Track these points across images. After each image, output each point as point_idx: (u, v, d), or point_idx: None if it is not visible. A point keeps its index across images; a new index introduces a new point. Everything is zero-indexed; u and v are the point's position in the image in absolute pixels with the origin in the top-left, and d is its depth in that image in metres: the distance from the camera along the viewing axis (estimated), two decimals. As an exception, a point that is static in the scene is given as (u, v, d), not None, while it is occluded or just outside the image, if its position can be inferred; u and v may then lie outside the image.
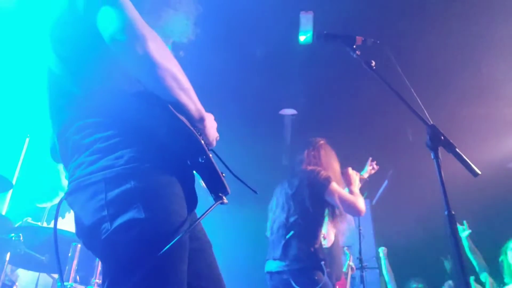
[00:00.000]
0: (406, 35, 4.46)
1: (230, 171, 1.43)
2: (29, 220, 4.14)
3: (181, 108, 1.20)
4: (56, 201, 5.12)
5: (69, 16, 1.25)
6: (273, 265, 3.05)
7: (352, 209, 3.05)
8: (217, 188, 1.25)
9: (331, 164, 3.37)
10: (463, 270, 1.31)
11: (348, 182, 3.24)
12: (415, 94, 1.73)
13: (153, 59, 1.11)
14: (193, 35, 1.64)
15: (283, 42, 4.68)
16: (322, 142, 3.47)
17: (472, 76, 5.07)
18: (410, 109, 1.62)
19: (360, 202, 3.06)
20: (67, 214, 5.18)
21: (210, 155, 1.23)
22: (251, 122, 5.67)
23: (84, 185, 1.14)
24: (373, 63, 1.82)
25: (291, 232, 2.99)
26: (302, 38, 4.37)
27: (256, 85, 5.10)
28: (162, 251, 1.05)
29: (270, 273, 3.05)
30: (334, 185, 3.07)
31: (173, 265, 1.10)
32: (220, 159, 1.40)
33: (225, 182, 1.25)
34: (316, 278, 2.79)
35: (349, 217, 4.49)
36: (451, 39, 4.62)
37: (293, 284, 2.82)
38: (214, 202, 1.25)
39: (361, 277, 3.91)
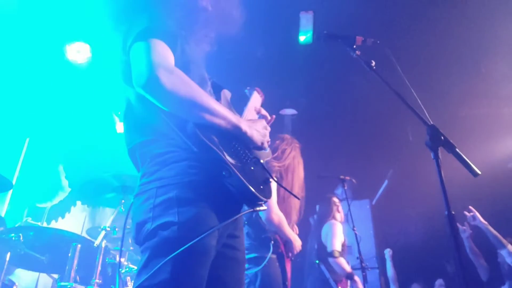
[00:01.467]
0: (406, 35, 4.46)
1: (272, 178, 1.56)
2: (29, 220, 4.14)
3: (209, 127, 1.37)
4: (56, 201, 5.13)
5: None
6: None
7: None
8: (246, 198, 1.41)
9: (297, 167, 3.17)
10: (463, 270, 1.31)
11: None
12: (415, 94, 1.72)
13: (168, 95, 1.31)
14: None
15: (283, 42, 4.68)
16: (297, 145, 3.36)
17: (472, 76, 5.08)
18: (410, 109, 1.62)
19: (275, 214, 2.79)
20: (67, 214, 5.18)
21: (234, 168, 1.36)
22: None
23: (144, 190, 1.41)
24: (373, 63, 1.82)
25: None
26: (302, 38, 4.37)
27: (256, 85, 5.09)
28: (181, 249, 1.26)
29: None
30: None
31: (192, 266, 1.30)
32: (265, 168, 1.55)
33: (254, 191, 1.38)
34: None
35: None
36: (451, 39, 4.62)
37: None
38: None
39: (363, 277, 3.90)
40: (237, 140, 1.48)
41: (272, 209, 2.78)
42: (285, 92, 5.47)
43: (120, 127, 4.90)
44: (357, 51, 1.89)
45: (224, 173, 1.35)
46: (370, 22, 4.29)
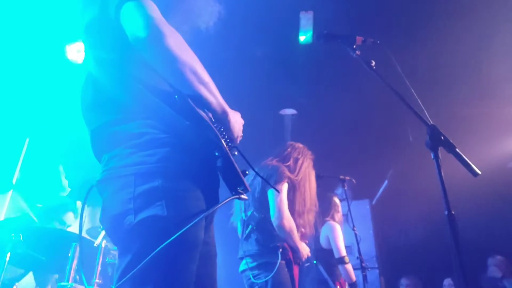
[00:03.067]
0: (406, 35, 4.46)
1: (254, 169, 1.44)
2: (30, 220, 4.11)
3: (201, 101, 1.25)
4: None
5: (100, 21, 1.30)
6: (241, 265, 2.96)
7: (276, 214, 2.80)
8: (234, 184, 1.25)
9: (309, 179, 3.19)
10: (463, 269, 1.31)
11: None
12: (415, 94, 1.73)
13: (172, 54, 1.17)
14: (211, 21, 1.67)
15: (283, 42, 4.68)
16: (311, 156, 3.35)
17: (472, 76, 5.07)
18: (410, 109, 1.62)
19: (286, 220, 2.79)
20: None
21: (228, 150, 1.24)
22: (251, 122, 5.66)
23: (116, 176, 1.21)
24: (373, 63, 1.82)
25: (250, 227, 2.89)
26: (302, 38, 4.37)
27: (256, 85, 5.09)
28: (165, 243, 1.10)
29: (242, 273, 2.95)
30: (285, 186, 2.90)
31: (184, 263, 1.16)
32: (244, 157, 1.40)
33: (243, 178, 1.26)
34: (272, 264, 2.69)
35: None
36: (452, 39, 4.61)
37: (252, 279, 2.72)
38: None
39: (363, 276, 3.90)
40: (219, 123, 1.35)
41: (284, 215, 2.79)
42: (285, 92, 5.47)
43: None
44: (357, 51, 1.89)
45: (216, 153, 1.21)
46: (370, 22, 4.29)
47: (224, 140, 1.25)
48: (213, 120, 1.33)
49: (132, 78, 1.23)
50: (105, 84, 1.29)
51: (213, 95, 1.29)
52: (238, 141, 1.46)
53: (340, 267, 3.98)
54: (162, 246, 1.10)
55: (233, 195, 1.26)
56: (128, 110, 1.25)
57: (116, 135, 1.25)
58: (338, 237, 4.13)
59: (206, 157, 1.23)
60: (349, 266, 3.96)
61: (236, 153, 1.36)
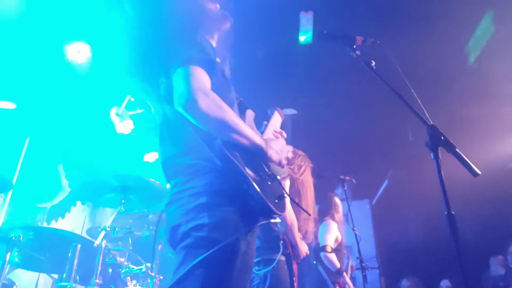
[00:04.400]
0: (406, 35, 4.46)
1: (288, 195, 1.73)
2: (30, 220, 4.12)
3: (235, 145, 1.55)
4: (56, 201, 5.13)
5: (168, 84, 1.66)
6: None
7: None
8: (263, 211, 1.56)
9: (310, 186, 3.26)
10: (463, 270, 1.31)
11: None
12: (415, 94, 1.73)
13: (204, 116, 1.50)
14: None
15: (283, 42, 4.68)
16: (311, 165, 3.39)
17: (472, 76, 5.07)
18: (410, 109, 1.62)
19: (288, 213, 2.85)
20: (67, 214, 5.18)
21: (254, 184, 1.51)
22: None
23: (177, 198, 1.60)
24: (373, 63, 1.82)
25: None
26: (302, 38, 4.37)
27: (256, 85, 5.10)
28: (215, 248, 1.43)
29: None
30: (287, 182, 2.95)
31: (227, 266, 1.47)
32: (280, 184, 1.72)
33: (270, 205, 1.54)
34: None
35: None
36: (451, 39, 4.62)
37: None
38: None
39: (363, 276, 3.90)
40: (258, 157, 1.65)
41: (286, 208, 2.81)
42: (285, 92, 5.47)
43: (120, 127, 4.90)
44: (357, 51, 1.89)
45: (244, 186, 1.51)
46: (370, 22, 4.29)
47: (258, 171, 1.58)
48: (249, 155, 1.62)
49: (188, 124, 1.58)
50: (173, 125, 1.69)
51: (245, 137, 1.57)
52: (283, 164, 1.73)
53: (322, 255, 3.98)
54: (211, 250, 1.43)
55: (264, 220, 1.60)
56: (185, 146, 1.64)
57: (178, 166, 1.64)
58: (329, 230, 4.15)
59: (237, 187, 1.53)
60: (330, 255, 3.96)
61: (269, 183, 1.62)
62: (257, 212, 1.58)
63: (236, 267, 1.49)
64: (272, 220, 1.60)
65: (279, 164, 1.71)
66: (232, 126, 1.55)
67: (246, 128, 1.60)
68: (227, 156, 1.51)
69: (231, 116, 1.56)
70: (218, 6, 1.89)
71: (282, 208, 1.63)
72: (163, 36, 1.69)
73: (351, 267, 4.61)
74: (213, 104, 1.52)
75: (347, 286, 4.11)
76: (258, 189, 1.51)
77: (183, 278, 1.45)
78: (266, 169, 1.67)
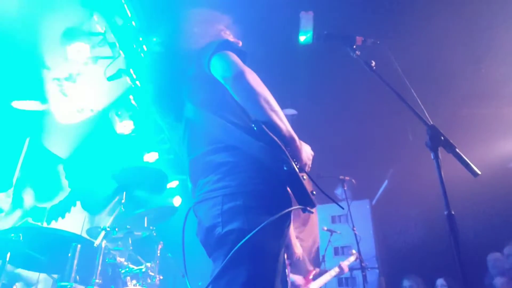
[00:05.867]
0: (406, 35, 4.46)
1: (319, 188, 1.66)
2: (30, 220, 4.14)
3: (273, 127, 1.53)
4: (56, 201, 5.12)
5: (198, 75, 1.74)
6: None
7: None
8: (303, 201, 1.51)
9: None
10: (463, 269, 1.31)
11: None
12: (415, 94, 1.73)
13: (250, 87, 1.54)
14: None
15: (283, 42, 4.68)
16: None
17: (472, 77, 5.07)
18: (410, 109, 1.63)
19: None
20: (67, 214, 5.18)
21: (295, 166, 1.48)
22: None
23: (209, 197, 1.56)
24: (373, 63, 1.82)
25: None
26: (302, 38, 4.36)
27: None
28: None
29: None
30: None
31: (263, 271, 1.44)
32: (312, 179, 1.62)
33: (310, 195, 1.50)
34: None
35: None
36: (451, 39, 4.61)
37: None
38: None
39: (363, 276, 3.90)
40: (288, 147, 1.59)
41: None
42: (285, 92, 5.47)
43: (119, 127, 4.90)
44: (357, 51, 1.89)
45: (285, 167, 1.46)
46: (370, 22, 4.29)
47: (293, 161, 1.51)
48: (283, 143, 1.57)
49: (219, 117, 1.61)
50: (200, 123, 1.69)
51: (283, 122, 1.56)
52: (307, 169, 1.67)
53: None
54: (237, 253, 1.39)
55: (302, 209, 1.53)
56: (216, 144, 1.61)
57: (208, 164, 1.61)
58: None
59: (276, 174, 1.49)
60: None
61: (305, 177, 1.54)
62: (298, 202, 1.52)
63: (278, 268, 1.47)
64: (308, 209, 1.51)
65: (304, 165, 1.64)
66: (273, 105, 1.57)
67: (281, 111, 1.60)
68: (268, 135, 1.49)
69: (271, 96, 1.59)
70: (228, 32, 2.02)
71: (316, 203, 1.56)
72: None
73: (341, 268, 4.41)
74: (258, 80, 1.58)
75: None
76: (297, 170, 1.48)
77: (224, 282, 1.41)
78: (295, 160, 1.59)
